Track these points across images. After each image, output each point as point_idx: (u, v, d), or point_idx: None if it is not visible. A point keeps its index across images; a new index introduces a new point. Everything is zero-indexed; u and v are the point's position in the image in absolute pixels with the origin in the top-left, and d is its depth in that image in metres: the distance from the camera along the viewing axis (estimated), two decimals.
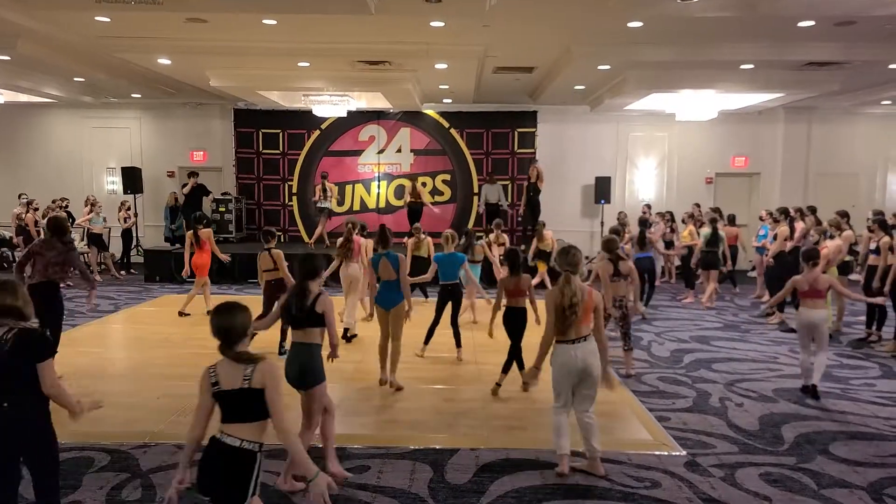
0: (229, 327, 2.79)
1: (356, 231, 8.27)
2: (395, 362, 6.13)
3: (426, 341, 7.22)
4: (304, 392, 4.03)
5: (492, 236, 10.13)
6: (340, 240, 8.25)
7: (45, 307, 5.79)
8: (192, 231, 9.39)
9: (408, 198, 13.48)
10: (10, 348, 2.97)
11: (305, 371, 3.98)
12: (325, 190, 13.36)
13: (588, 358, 4.19)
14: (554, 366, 4.30)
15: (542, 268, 10.77)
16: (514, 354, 6.09)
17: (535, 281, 9.17)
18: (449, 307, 7.15)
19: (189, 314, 9.19)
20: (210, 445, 2.77)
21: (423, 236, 9.74)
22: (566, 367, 4.21)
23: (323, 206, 13.39)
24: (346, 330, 7.83)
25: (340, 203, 14.44)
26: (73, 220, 13.38)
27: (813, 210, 10.57)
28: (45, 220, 11.93)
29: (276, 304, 6.79)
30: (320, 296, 3.97)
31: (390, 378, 6.12)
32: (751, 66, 9.83)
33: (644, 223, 10.22)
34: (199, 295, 9.35)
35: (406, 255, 8.53)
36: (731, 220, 11.32)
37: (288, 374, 3.95)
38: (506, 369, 6.08)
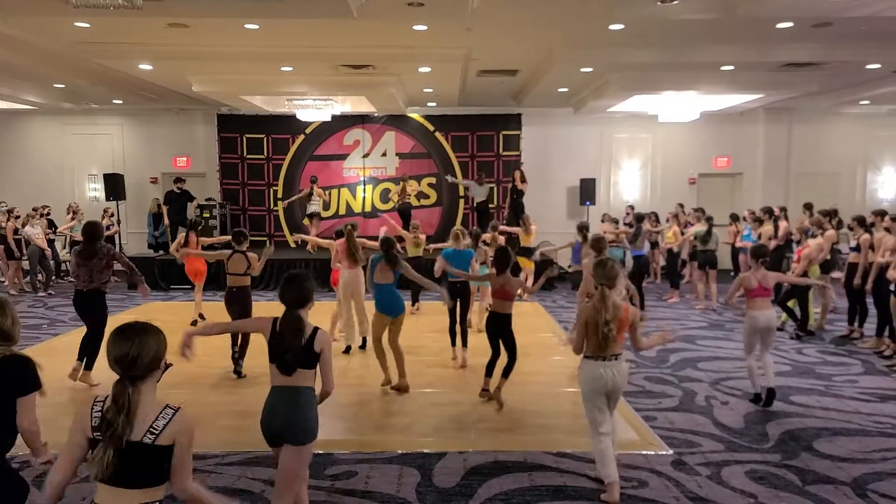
0: (137, 355, 2.18)
1: (355, 234, 7.59)
2: (403, 364, 6.14)
3: (453, 343, 7.11)
4: (292, 448, 3.13)
5: (487, 236, 9.65)
6: (341, 241, 7.64)
7: (92, 313, 6.18)
8: (185, 234, 9.39)
9: (396, 199, 13.49)
10: None
11: (297, 422, 3.12)
12: (311, 194, 13.30)
13: (618, 380, 4.03)
14: (582, 381, 4.10)
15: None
16: (511, 360, 5.78)
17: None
18: (458, 306, 6.96)
19: (203, 318, 9.23)
20: None
21: (421, 235, 9.80)
22: (595, 384, 4.03)
23: (311, 210, 13.35)
24: (348, 347, 7.58)
25: (326, 207, 14.40)
26: (55, 227, 13.24)
27: (809, 206, 10.60)
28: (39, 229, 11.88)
29: (240, 318, 6.37)
30: (317, 331, 3.19)
31: (402, 381, 6.12)
32: (731, 67, 9.93)
33: (640, 219, 10.11)
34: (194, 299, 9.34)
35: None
36: (734, 219, 11.43)
37: (270, 426, 3.17)
38: (490, 372, 5.88)
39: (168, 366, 2.31)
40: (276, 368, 3.16)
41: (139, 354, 2.17)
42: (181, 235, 9.61)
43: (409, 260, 9.40)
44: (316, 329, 3.19)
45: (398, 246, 6.48)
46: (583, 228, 8.16)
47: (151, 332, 2.24)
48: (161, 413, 2.18)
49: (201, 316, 9.24)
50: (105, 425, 2.11)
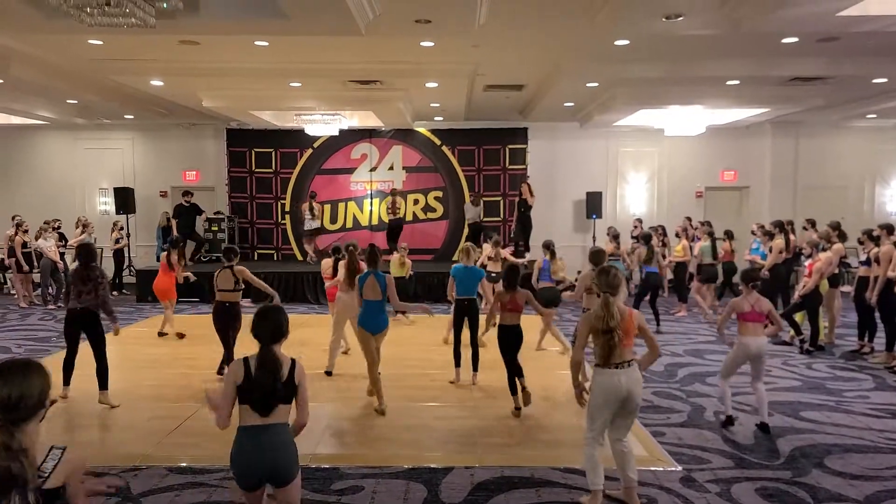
0: (20, 396, 1.94)
1: (357, 252, 7.28)
2: (376, 370, 5.98)
3: (457, 365, 6.84)
4: (282, 490, 3.07)
5: (490, 251, 9.46)
6: (338, 261, 7.72)
7: (86, 335, 6.19)
8: (166, 253, 9.27)
9: (388, 214, 13.57)
10: None
11: (288, 460, 3.04)
12: (311, 209, 13.34)
13: (632, 386, 3.95)
14: (595, 391, 4.02)
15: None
16: (514, 372, 5.84)
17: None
18: (466, 325, 6.81)
19: (167, 333, 9.18)
20: None
21: (407, 259, 9.88)
22: (609, 394, 3.95)
23: (312, 226, 13.35)
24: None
25: (333, 221, 14.48)
26: (66, 241, 13.35)
27: (812, 223, 10.59)
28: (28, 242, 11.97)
29: (228, 336, 6.46)
30: (295, 363, 3.08)
31: (382, 406, 5.94)
32: (737, 81, 9.96)
33: (648, 239, 9.89)
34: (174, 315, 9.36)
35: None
36: (730, 236, 11.33)
37: (252, 471, 3.01)
38: (514, 390, 5.88)
39: (52, 403, 2.07)
40: (251, 408, 2.98)
41: (21, 396, 1.93)
42: (164, 256, 9.33)
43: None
44: (293, 361, 3.09)
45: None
46: (548, 246, 8.23)
47: (34, 370, 2.02)
48: (49, 454, 2.00)
49: (180, 335, 9.13)
50: (4, 475, 1.84)
